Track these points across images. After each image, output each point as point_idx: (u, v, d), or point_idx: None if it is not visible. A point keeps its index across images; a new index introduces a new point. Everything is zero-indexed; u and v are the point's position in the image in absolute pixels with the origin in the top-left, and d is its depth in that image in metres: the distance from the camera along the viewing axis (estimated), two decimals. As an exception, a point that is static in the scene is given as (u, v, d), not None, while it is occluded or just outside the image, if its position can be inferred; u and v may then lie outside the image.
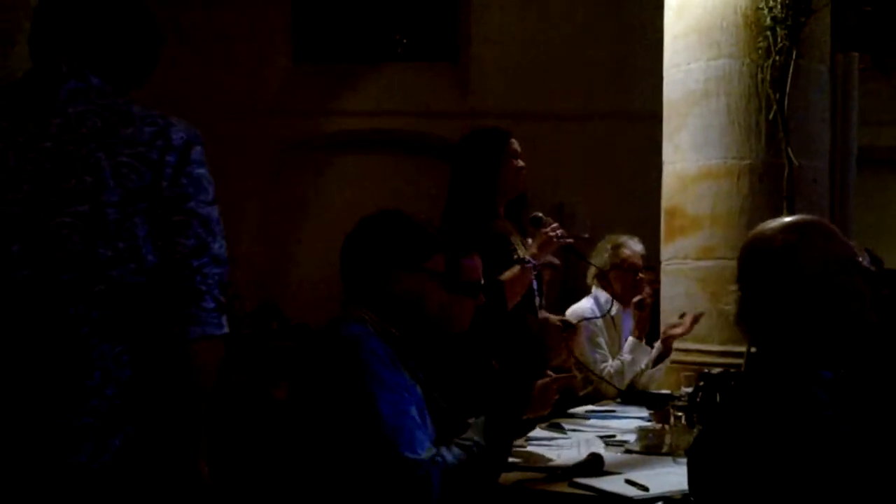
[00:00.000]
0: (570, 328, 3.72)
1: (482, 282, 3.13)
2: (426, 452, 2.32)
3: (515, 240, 3.80)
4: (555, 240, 3.74)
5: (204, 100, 9.78)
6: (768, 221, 2.15)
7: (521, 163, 3.84)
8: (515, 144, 3.85)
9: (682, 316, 4.69)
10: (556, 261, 4.73)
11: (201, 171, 2.23)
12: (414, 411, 2.37)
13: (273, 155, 10.17)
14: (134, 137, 2.14)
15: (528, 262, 3.67)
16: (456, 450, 2.39)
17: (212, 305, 2.11)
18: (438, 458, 2.33)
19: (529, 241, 3.82)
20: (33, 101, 2.14)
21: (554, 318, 3.84)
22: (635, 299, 4.88)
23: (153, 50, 2.46)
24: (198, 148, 2.25)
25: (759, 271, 2.06)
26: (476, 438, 2.45)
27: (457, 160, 3.85)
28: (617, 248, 5.07)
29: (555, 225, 3.79)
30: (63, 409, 2.02)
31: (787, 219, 2.14)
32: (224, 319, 2.14)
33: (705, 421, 3.00)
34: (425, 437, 2.37)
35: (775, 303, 2.02)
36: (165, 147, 2.16)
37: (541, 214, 3.84)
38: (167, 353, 2.09)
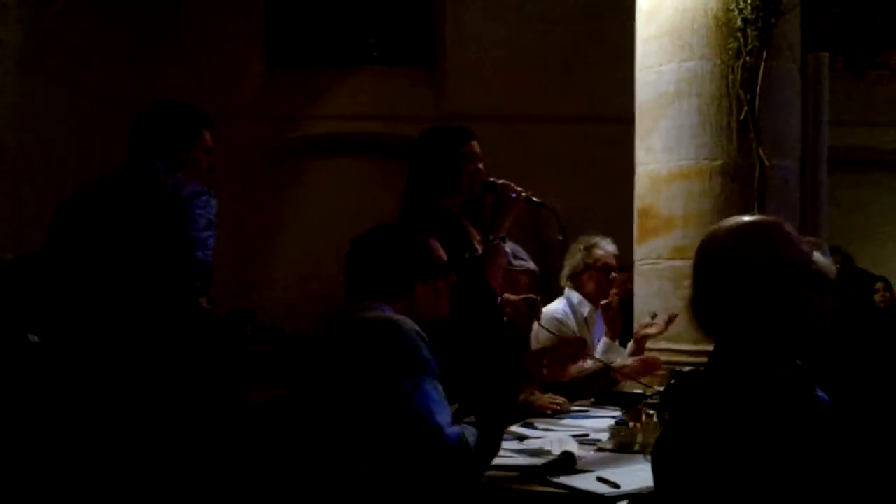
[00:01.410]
0: (533, 304, 3.68)
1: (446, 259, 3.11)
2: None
3: (473, 234, 3.74)
4: (513, 197, 3.65)
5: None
6: (727, 220, 2.15)
7: (479, 165, 3.72)
8: (475, 146, 3.74)
9: (654, 316, 4.71)
10: (534, 266, 4.73)
11: (199, 210, 3.33)
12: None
13: (248, 160, 10.14)
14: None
15: (495, 238, 3.62)
16: (471, 428, 2.56)
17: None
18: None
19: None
20: (141, 179, 3.38)
21: (514, 297, 3.79)
22: (602, 302, 4.88)
23: (195, 134, 3.62)
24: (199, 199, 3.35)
25: (710, 268, 2.08)
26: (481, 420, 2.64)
27: (413, 158, 3.76)
28: (590, 248, 5.07)
29: (503, 183, 3.68)
30: None
31: (745, 218, 2.15)
32: None
33: (669, 418, 3.01)
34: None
35: (723, 301, 2.04)
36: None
37: (493, 178, 3.71)
38: None
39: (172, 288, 3.21)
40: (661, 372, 4.18)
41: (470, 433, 2.54)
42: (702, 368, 2.52)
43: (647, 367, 4.49)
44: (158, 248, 3.20)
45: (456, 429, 2.51)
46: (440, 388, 2.55)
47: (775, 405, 1.90)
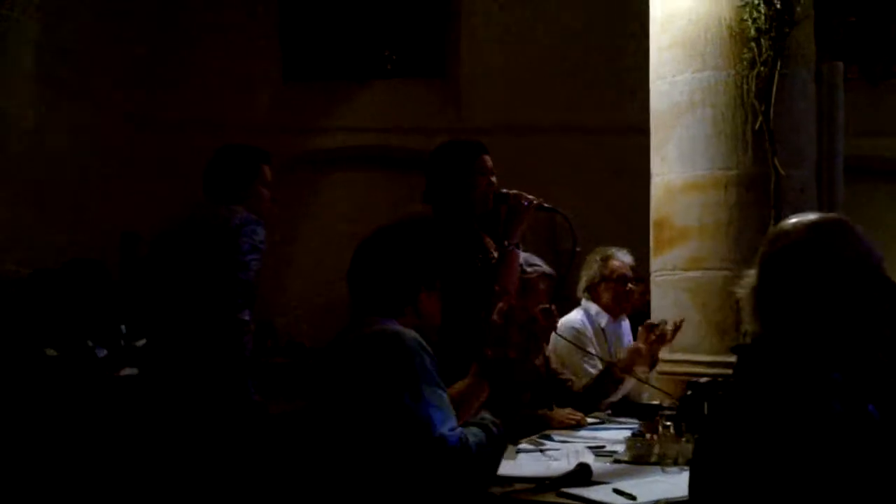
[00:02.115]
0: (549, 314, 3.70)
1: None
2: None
3: (489, 244, 3.79)
4: (525, 205, 3.75)
5: (196, 119, 9.81)
6: (792, 216, 2.13)
7: (492, 179, 3.79)
8: (488, 161, 3.80)
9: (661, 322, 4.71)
10: (549, 269, 4.73)
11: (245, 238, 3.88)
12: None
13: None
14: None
15: (509, 245, 3.70)
16: (474, 429, 2.58)
17: None
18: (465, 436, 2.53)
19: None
20: (205, 214, 4.07)
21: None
22: (647, 322, 4.86)
23: (255, 172, 4.21)
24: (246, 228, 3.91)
25: (780, 261, 2.05)
26: (488, 416, 2.68)
27: (428, 173, 3.84)
28: (606, 259, 5.07)
29: (515, 193, 3.78)
30: None
31: (811, 215, 2.11)
32: None
33: (700, 429, 2.99)
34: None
35: (787, 297, 2.01)
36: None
37: (505, 190, 3.80)
38: None
39: (217, 303, 3.82)
40: (678, 383, 4.16)
41: (472, 434, 2.55)
42: (719, 379, 2.51)
43: (638, 359, 4.53)
44: (210, 269, 3.84)
45: (457, 432, 2.51)
46: (444, 396, 2.56)
47: (825, 415, 1.87)
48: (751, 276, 2.11)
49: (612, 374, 4.51)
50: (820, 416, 1.87)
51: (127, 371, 5.14)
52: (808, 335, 1.99)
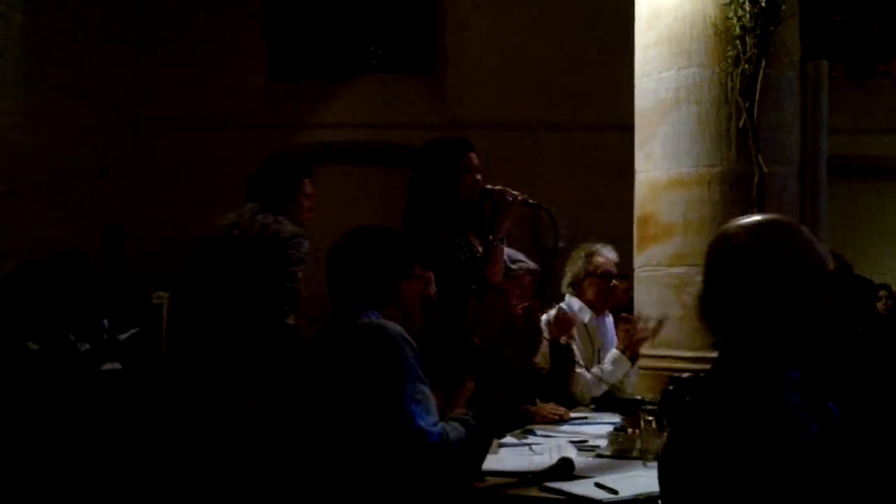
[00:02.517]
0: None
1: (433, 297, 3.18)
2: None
3: (475, 240, 3.81)
4: (509, 200, 3.78)
5: (183, 115, 9.80)
6: (739, 218, 2.13)
7: (477, 176, 3.81)
8: (473, 158, 3.83)
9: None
10: (534, 265, 4.75)
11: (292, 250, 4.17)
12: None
13: (249, 167, 10.14)
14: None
15: (494, 240, 3.74)
16: (456, 424, 2.57)
17: None
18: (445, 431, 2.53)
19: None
20: (252, 224, 4.27)
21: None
22: (623, 315, 4.91)
23: (296, 184, 4.56)
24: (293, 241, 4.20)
25: (723, 265, 2.06)
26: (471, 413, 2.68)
27: (415, 169, 3.87)
28: (590, 255, 5.09)
29: (500, 189, 3.81)
30: None
31: (756, 217, 2.13)
32: None
33: (673, 425, 3.01)
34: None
35: (736, 298, 2.02)
36: None
37: (490, 186, 3.83)
38: None
39: (267, 308, 4.07)
40: (661, 378, 4.18)
41: (452, 429, 2.54)
42: (701, 374, 2.52)
43: (560, 325, 4.59)
44: (261, 277, 4.09)
45: (438, 428, 2.50)
46: (425, 389, 2.56)
47: (784, 414, 1.88)
48: (699, 281, 2.12)
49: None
50: (773, 417, 1.88)
51: (108, 366, 5.13)
52: (756, 336, 1.99)
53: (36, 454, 4.53)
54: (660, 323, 4.68)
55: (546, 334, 4.68)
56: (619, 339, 4.88)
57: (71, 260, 5.50)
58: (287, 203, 4.43)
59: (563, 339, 4.65)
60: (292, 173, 4.58)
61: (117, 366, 5.20)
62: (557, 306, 4.89)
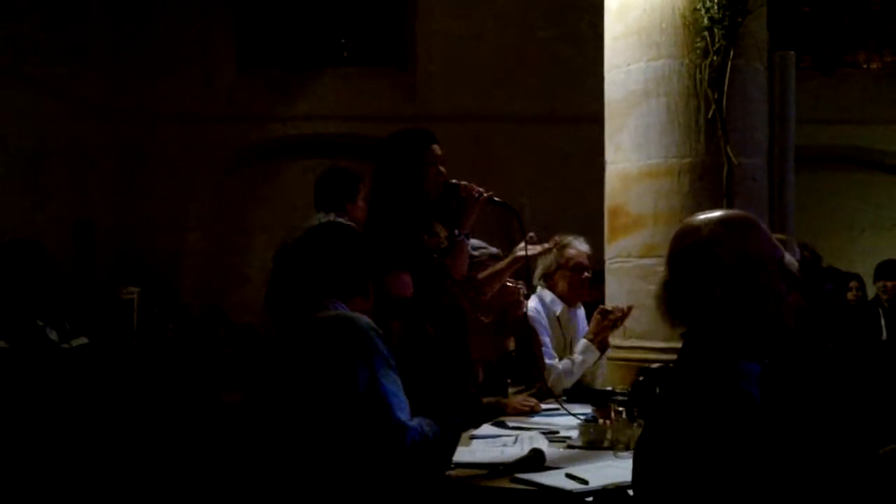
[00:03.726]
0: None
1: (408, 298, 3.21)
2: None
3: (440, 231, 3.81)
4: (475, 196, 3.78)
5: (152, 108, 9.74)
6: (701, 212, 2.17)
7: (441, 168, 3.80)
8: (437, 149, 3.81)
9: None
10: (495, 249, 4.76)
11: None
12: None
13: (220, 161, 10.13)
14: None
15: (459, 235, 3.74)
16: (430, 420, 2.56)
17: None
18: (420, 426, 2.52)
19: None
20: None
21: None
22: (601, 307, 4.92)
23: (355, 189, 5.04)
24: None
25: (683, 259, 2.09)
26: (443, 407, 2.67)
27: (378, 163, 3.85)
28: (562, 248, 5.09)
29: (465, 184, 3.80)
30: None
31: (718, 212, 2.17)
32: None
33: (646, 416, 3.04)
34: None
35: (695, 291, 2.05)
36: None
37: (454, 181, 3.82)
38: None
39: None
40: (632, 369, 4.20)
41: (427, 424, 2.53)
42: (671, 365, 2.54)
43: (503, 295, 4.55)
44: None
45: (415, 423, 2.50)
46: (398, 380, 2.55)
47: (730, 406, 1.91)
48: (661, 272, 2.15)
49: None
50: (726, 407, 1.91)
51: (78, 341, 5.07)
52: (717, 328, 2.02)
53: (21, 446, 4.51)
54: (628, 309, 4.70)
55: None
56: (589, 328, 4.91)
57: (25, 247, 5.45)
58: (350, 205, 4.97)
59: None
60: (353, 178, 5.11)
61: (84, 340, 5.16)
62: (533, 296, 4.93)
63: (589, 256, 5.17)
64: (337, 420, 2.48)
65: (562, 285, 5.06)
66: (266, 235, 9.65)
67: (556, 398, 4.17)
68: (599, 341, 4.82)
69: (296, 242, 2.86)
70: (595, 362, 4.87)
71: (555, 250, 5.09)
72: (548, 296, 5.06)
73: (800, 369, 2.28)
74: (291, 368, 2.62)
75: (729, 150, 4.75)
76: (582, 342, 4.88)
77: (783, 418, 1.94)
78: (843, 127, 10.05)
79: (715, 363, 1.99)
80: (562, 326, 5.06)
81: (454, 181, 3.81)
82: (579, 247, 5.12)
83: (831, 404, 2.67)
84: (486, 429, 3.66)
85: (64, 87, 9.20)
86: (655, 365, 3.39)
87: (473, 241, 4.27)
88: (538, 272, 5.15)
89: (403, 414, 2.48)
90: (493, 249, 4.37)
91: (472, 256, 4.03)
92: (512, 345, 4.64)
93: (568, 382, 4.72)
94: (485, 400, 4.12)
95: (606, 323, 4.77)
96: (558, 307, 5.01)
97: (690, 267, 2.06)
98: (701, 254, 2.05)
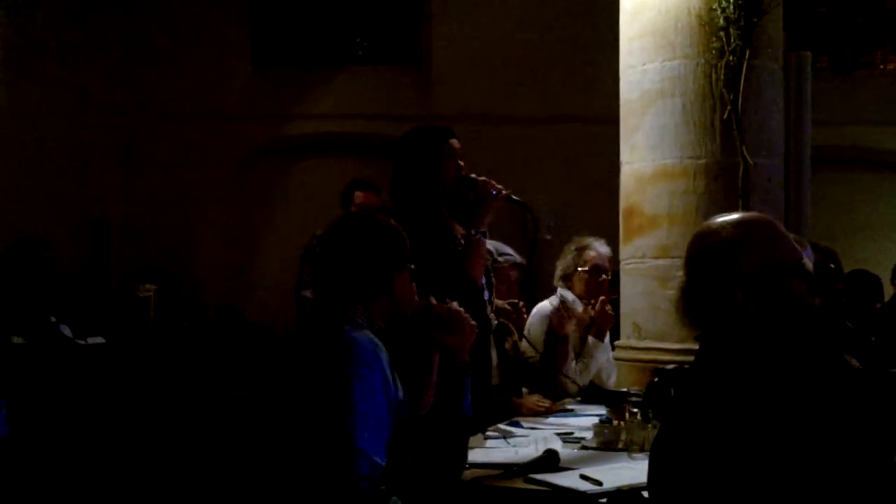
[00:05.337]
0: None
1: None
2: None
3: (457, 229, 3.79)
4: (493, 194, 3.75)
5: (167, 108, 9.76)
6: (719, 215, 2.18)
7: (460, 163, 3.79)
8: (455, 144, 3.80)
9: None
10: (520, 258, 4.78)
11: None
12: (384, 422, 2.46)
13: (236, 160, 10.14)
14: None
15: (476, 233, 3.70)
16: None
17: None
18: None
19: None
20: None
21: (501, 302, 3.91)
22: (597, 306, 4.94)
23: None
24: None
25: (703, 262, 2.09)
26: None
27: (397, 159, 3.84)
28: (581, 249, 5.09)
29: (483, 180, 3.78)
30: None
31: (736, 215, 2.17)
32: None
33: (662, 417, 3.03)
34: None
35: (714, 295, 2.05)
36: None
37: (473, 175, 3.80)
38: None
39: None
40: (647, 370, 4.20)
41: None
42: (686, 366, 2.54)
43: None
44: None
45: (378, 461, 2.39)
46: (382, 414, 2.46)
47: (766, 399, 1.90)
48: (679, 276, 2.15)
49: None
50: (762, 401, 1.90)
51: (94, 340, 5.10)
52: (737, 331, 2.02)
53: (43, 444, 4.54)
54: (603, 304, 4.85)
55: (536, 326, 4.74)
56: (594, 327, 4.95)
57: (32, 245, 5.48)
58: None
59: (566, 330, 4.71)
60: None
61: (100, 340, 5.18)
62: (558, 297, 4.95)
63: (609, 259, 5.17)
64: (305, 433, 2.45)
65: (579, 287, 5.06)
66: (280, 233, 9.66)
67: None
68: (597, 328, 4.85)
69: (321, 238, 2.83)
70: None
71: (574, 251, 5.09)
72: (569, 296, 5.05)
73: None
74: (287, 375, 2.61)
75: (744, 150, 4.75)
76: (590, 340, 4.91)
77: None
78: (858, 128, 10.00)
79: (740, 366, 1.98)
80: (580, 327, 5.06)
81: (472, 175, 3.79)
82: (599, 249, 5.11)
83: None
84: (500, 430, 3.66)
85: (80, 88, 9.25)
86: (670, 366, 3.38)
87: (500, 246, 4.27)
88: (557, 273, 5.15)
89: (368, 444, 2.38)
90: (518, 258, 4.37)
91: (494, 261, 4.03)
92: (532, 351, 4.66)
93: (582, 381, 4.74)
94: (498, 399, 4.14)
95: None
96: (579, 307, 5.02)
97: (709, 270, 2.06)
98: (720, 257, 2.05)
